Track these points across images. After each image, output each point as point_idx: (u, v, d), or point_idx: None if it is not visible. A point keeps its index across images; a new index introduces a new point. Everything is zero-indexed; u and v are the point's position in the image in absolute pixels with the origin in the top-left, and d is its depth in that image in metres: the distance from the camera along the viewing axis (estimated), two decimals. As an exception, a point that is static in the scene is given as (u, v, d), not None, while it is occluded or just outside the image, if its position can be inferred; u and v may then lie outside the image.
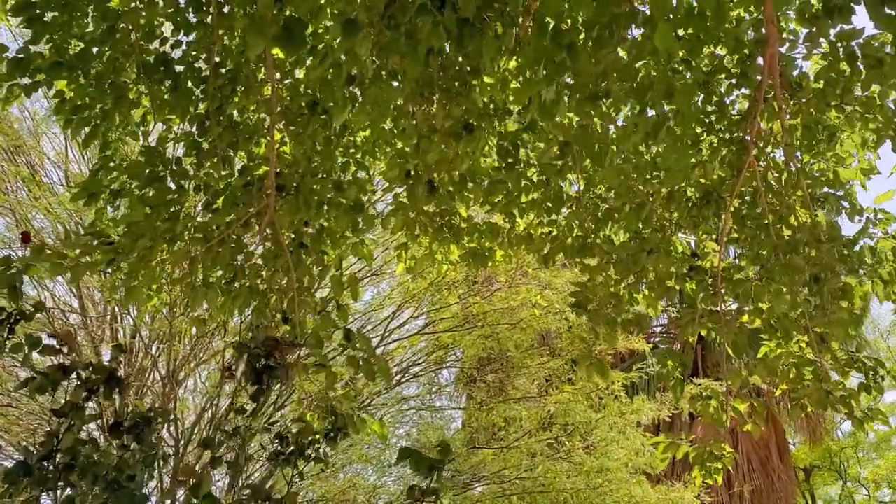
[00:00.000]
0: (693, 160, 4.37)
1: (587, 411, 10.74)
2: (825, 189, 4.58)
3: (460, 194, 4.50)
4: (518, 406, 10.84)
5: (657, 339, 16.85)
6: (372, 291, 11.10)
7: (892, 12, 2.82)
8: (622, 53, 3.50)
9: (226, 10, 3.90)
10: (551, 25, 3.14)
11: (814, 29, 3.67)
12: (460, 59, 3.67)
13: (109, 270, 4.00)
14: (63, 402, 3.19)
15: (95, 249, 3.65)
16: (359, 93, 3.71)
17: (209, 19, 3.91)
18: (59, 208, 8.94)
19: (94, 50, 3.93)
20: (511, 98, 4.17)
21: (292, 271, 4.10)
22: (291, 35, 2.83)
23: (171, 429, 8.85)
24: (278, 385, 3.60)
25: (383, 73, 3.73)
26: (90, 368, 3.14)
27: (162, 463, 3.47)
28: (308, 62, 3.86)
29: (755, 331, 4.46)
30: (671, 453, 4.93)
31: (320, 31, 3.73)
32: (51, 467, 3.04)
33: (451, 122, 3.82)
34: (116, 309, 9.55)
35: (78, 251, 3.69)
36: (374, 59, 3.34)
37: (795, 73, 4.23)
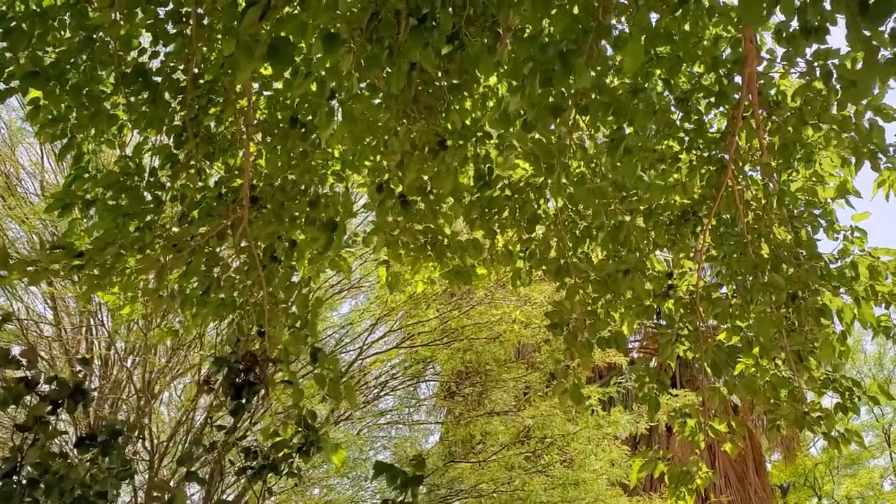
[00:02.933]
0: (671, 178, 4.38)
1: (565, 424, 10.73)
2: (803, 207, 4.58)
3: (439, 210, 4.47)
4: (496, 420, 10.81)
5: (635, 355, 16.86)
6: (350, 304, 11.06)
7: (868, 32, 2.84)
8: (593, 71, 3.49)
9: (205, 21, 3.87)
10: (531, 39, 3.14)
11: (791, 48, 3.69)
12: (440, 74, 3.66)
13: (77, 277, 3.96)
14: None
15: (62, 259, 3.62)
16: (338, 107, 3.68)
17: (188, 31, 3.88)
18: (34, 218, 8.84)
19: (72, 60, 3.88)
20: (488, 118, 4.15)
21: (265, 285, 4.07)
22: (279, 53, 2.82)
23: (147, 442, 8.74)
24: (257, 401, 3.56)
25: (362, 85, 3.71)
26: (54, 382, 3.07)
27: (135, 478, 3.41)
28: (287, 75, 3.83)
29: (733, 349, 4.45)
30: (648, 471, 4.92)
31: (302, 46, 3.71)
32: (15, 483, 2.97)
33: (431, 138, 3.80)
34: (91, 321, 9.44)
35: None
36: (354, 72, 3.32)
37: (773, 91, 4.25)
